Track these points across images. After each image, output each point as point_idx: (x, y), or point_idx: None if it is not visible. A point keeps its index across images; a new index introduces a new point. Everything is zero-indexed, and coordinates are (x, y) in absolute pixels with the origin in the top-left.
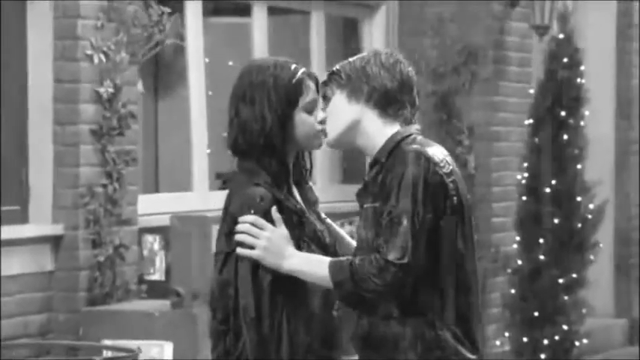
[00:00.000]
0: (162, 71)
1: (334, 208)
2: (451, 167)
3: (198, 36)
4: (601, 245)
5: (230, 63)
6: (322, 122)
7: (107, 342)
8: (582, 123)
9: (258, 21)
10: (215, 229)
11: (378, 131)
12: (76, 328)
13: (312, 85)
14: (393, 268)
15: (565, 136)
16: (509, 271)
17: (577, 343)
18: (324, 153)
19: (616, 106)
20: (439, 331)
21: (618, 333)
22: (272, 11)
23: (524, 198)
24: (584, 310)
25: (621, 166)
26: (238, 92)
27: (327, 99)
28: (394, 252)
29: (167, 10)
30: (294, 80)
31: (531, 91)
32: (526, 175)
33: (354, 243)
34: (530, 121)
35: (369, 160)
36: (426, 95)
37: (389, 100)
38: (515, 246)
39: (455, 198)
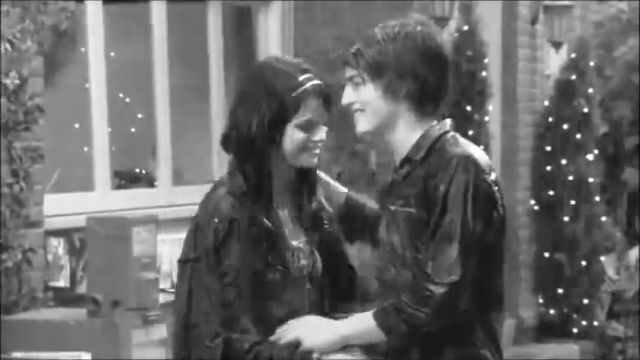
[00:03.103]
0: (65, 62)
1: None
2: (495, 173)
3: (98, 25)
4: None
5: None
6: (319, 142)
7: (18, 355)
8: (487, 118)
9: (157, 9)
10: (135, 232)
11: (411, 127)
12: None
13: (313, 103)
14: (441, 289)
15: (470, 132)
16: None
17: None
18: (220, 150)
19: (502, 101)
20: (480, 350)
21: (505, 334)
22: None
23: None
24: None
25: (508, 162)
26: (239, 89)
27: (353, 82)
28: (442, 271)
29: None
30: (291, 95)
31: None
32: None
33: None
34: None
35: (397, 157)
36: None
37: (428, 96)
38: None
39: (501, 208)
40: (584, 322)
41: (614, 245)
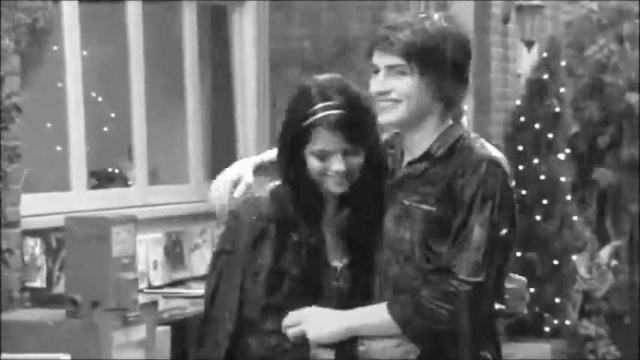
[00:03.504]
0: (41, 60)
1: (205, 209)
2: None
3: (74, 24)
4: None
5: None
6: (336, 172)
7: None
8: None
9: (132, 8)
10: (115, 232)
11: (436, 125)
12: None
13: (324, 133)
14: (466, 286)
15: None
16: None
17: None
18: (196, 150)
19: (475, 100)
20: (481, 351)
21: None
22: None
23: None
24: None
25: None
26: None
27: (397, 70)
28: (467, 270)
29: None
30: (302, 124)
31: None
32: None
33: None
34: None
35: (413, 152)
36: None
37: (459, 97)
38: None
39: (515, 212)
40: (555, 321)
41: (585, 244)
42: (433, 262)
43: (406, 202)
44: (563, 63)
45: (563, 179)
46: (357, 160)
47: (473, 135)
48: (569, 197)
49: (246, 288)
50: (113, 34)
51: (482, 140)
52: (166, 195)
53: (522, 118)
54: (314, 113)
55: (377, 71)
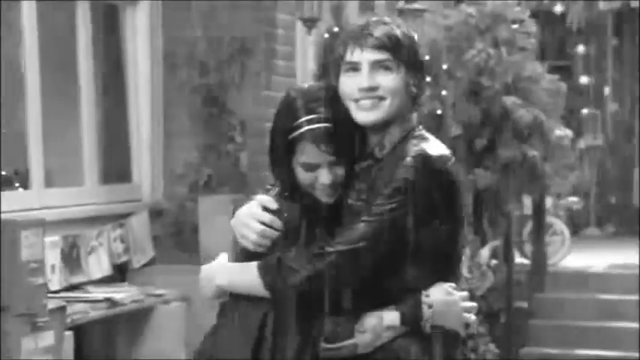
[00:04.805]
0: None
1: (100, 211)
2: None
3: None
4: None
5: None
6: (322, 184)
7: None
8: None
9: (27, 8)
10: (24, 235)
11: (401, 122)
12: None
13: (308, 146)
14: (330, 250)
15: None
16: None
17: None
18: (90, 151)
19: None
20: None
21: None
22: None
23: None
24: None
25: None
26: None
27: (384, 65)
28: (338, 238)
29: None
30: (286, 138)
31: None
32: None
33: None
34: None
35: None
36: (193, 89)
37: (424, 94)
38: None
39: (443, 203)
40: None
41: (466, 244)
42: None
43: (349, 201)
44: (444, 66)
45: None
46: (343, 172)
47: (420, 132)
48: None
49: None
50: (10, 33)
51: (428, 136)
52: (62, 198)
53: None
54: (298, 127)
55: (354, 69)
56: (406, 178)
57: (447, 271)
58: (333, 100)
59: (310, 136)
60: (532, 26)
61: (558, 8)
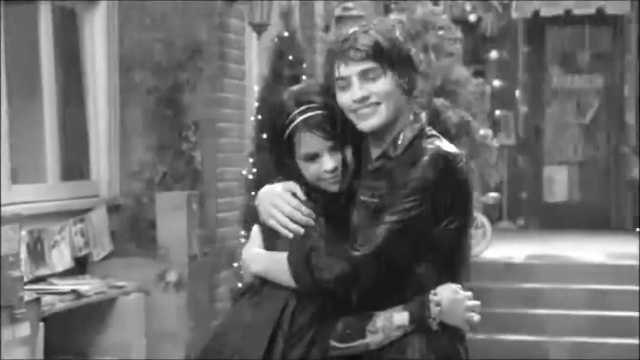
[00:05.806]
0: None
1: (61, 207)
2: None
3: None
4: None
5: None
6: (330, 171)
7: None
8: None
9: None
10: (4, 229)
11: (404, 118)
12: None
13: (306, 136)
14: (355, 253)
15: None
16: (235, 265)
17: None
18: (52, 149)
19: None
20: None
21: None
22: None
23: (253, 193)
24: None
25: None
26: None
27: (368, 77)
28: (361, 239)
29: None
30: (285, 134)
31: (256, 88)
32: (254, 170)
33: None
34: (259, 117)
35: (375, 150)
36: (149, 90)
37: (417, 86)
38: (242, 240)
39: (460, 201)
40: None
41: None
42: None
43: (362, 198)
44: None
45: None
46: (345, 157)
47: (431, 131)
48: None
49: None
50: None
51: (440, 135)
52: (27, 194)
53: None
54: (292, 120)
55: (346, 83)
56: (425, 176)
57: (457, 269)
58: (324, 89)
59: (305, 125)
60: (457, 33)
61: (472, 17)
